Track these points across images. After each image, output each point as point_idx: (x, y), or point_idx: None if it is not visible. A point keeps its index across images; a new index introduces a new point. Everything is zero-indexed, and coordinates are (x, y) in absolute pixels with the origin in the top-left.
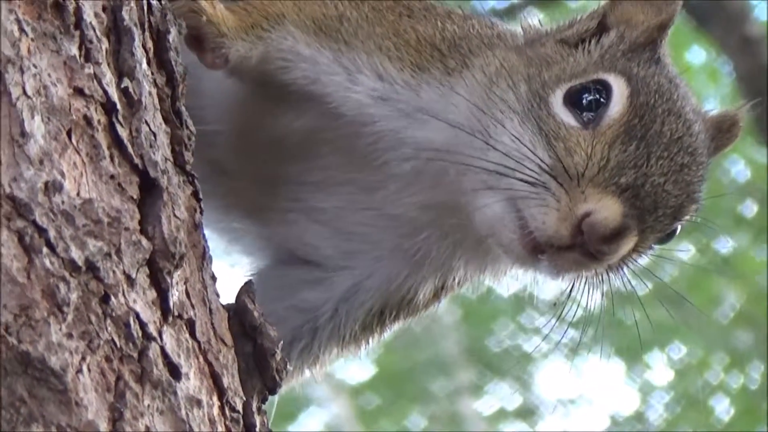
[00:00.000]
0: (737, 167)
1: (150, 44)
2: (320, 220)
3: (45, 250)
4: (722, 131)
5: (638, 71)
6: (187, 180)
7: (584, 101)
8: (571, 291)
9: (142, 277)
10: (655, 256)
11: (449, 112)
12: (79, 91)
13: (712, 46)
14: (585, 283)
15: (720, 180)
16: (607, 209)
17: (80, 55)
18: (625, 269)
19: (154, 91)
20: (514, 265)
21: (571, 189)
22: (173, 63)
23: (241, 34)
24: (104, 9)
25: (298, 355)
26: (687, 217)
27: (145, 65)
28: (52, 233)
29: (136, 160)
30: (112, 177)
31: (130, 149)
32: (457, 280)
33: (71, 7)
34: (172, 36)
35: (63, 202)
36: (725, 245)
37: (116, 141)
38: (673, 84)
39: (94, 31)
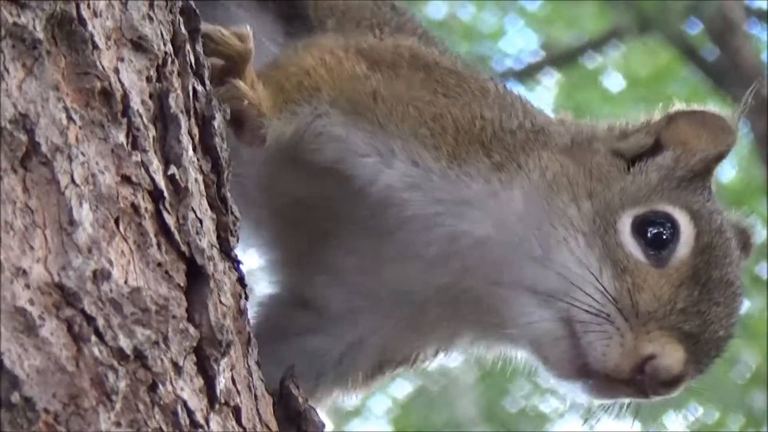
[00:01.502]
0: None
1: (195, 130)
2: (335, 275)
3: (93, 338)
4: (742, 249)
5: (699, 207)
6: (232, 265)
7: (649, 234)
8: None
9: (189, 365)
10: None
11: (500, 210)
12: (126, 179)
13: (729, 106)
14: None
15: None
16: (671, 356)
17: (127, 143)
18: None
19: (200, 177)
20: (552, 377)
21: (636, 327)
22: (218, 149)
23: (276, 114)
24: (151, 96)
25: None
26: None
27: (191, 152)
28: (100, 322)
29: (183, 248)
30: (159, 265)
31: (177, 237)
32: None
33: (118, 94)
34: (218, 122)
35: (111, 291)
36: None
37: (163, 228)
38: (723, 219)
39: (141, 118)
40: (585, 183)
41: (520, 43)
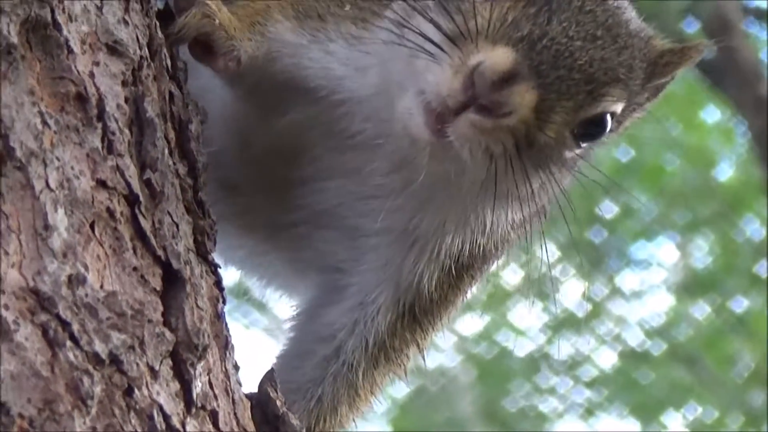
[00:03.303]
0: (753, 226)
1: (172, 134)
2: (325, 224)
3: (69, 343)
4: (675, 52)
5: None
6: (209, 269)
7: None
8: (495, 176)
9: (165, 369)
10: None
11: (377, 39)
12: (102, 184)
13: (727, 105)
14: (501, 167)
15: (735, 239)
16: (497, 56)
17: (103, 147)
18: (542, 149)
19: (176, 181)
20: (434, 162)
21: (465, 47)
22: (195, 153)
23: (246, 34)
24: (126, 100)
25: (331, 383)
26: (612, 101)
27: (167, 156)
28: (75, 327)
29: (159, 252)
30: (135, 269)
31: (152, 241)
32: (453, 248)
33: (94, 99)
34: (194, 126)
35: (86, 295)
36: (740, 305)
37: (139, 233)
38: None
39: (117, 122)
40: None
41: None
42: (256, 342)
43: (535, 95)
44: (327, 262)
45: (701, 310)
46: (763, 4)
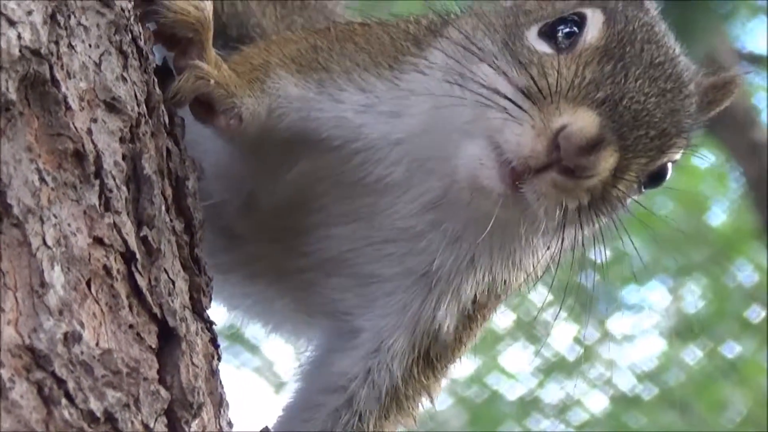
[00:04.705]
0: (744, 272)
1: (169, 191)
2: (333, 271)
3: (64, 401)
4: (717, 88)
5: (616, 6)
6: (204, 326)
7: (560, 32)
8: (562, 231)
9: (160, 427)
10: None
11: (427, 82)
12: (98, 241)
13: (720, 150)
14: (572, 219)
15: (727, 285)
16: (582, 120)
17: (100, 205)
18: (613, 203)
19: (173, 238)
20: (502, 212)
21: (545, 107)
22: (192, 209)
23: (247, 92)
24: (124, 157)
25: None
26: (675, 153)
27: (164, 212)
28: (71, 384)
29: (155, 309)
30: (131, 326)
31: (148, 298)
32: (476, 288)
33: (91, 156)
34: (191, 182)
35: (82, 353)
36: (732, 350)
37: (135, 290)
38: (654, 21)
39: (114, 180)
40: (501, 21)
41: None
42: (247, 383)
43: (618, 158)
44: (336, 308)
45: (693, 355)
46: (756, 49)
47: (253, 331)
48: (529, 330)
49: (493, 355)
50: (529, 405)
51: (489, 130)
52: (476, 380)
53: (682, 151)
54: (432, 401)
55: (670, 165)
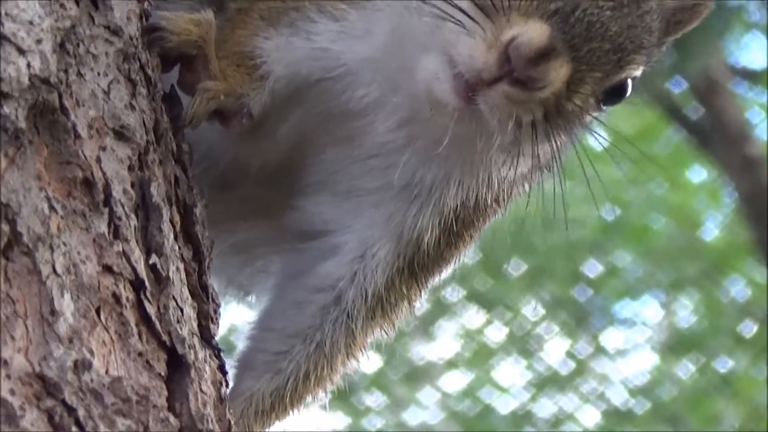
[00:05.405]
0: (737, 287)
1: (177, 218)
2: (318, 190)
3: (74, 429)
4: (686, 9)
5: None
6: (213, 353)
7: None
8: (519, 147)
9: None
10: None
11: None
12: (108, 269)
13: (713, 165)
14: (528, 134)
15: (720, 300)
16: (532, 31)
17: (109, 233)
18: (570, 118)
19: (181, 266)
20: (458, 125)
21: (497, 20)
22: (200, 236)
23: (250, 86)
24: (133, 185)
25: (331, 329)
26: (636, 67)
27: (172, 240)
28: (81, 412)
29: (164, 337)
30: (140, 354)
31: (158, 326)
32: (455, 200)
33: (100, 184)
34: (199, 209)
35: (92, 381)
36: (724, 365)
37: (144, 318)
38: None
39: (123, 207)
40: None
41: None
42: None
43: (569, 69)
44: (318, 227)
45: (685, 370)
46: (750, 64)
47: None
48: (522, 344)
49: (486, 369)
50: (521, 419)
51: (444, 44)
52: (469, 394)
53: (642, 67)
54: (412, 310)
55: (630, 81)
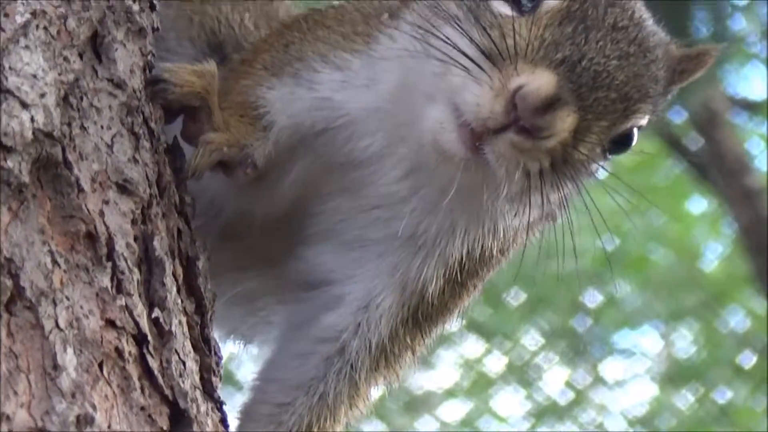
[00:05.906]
0: (736, 318)
1: (180, 271)
2: (322, 240)
3: None
4: (691, 58)
5: None
6: (215, 406)
7: None
8: (527, 196)
9: None
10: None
11: (395, 47)
12: (110, 323)
13: (713, 196)
14: (536, 183)
15: (719, 330)
16: (539, 79)
17: (112, 287)
18: (575, 166)
19: (183, 319)
20: (465, 175)
21: (504, 68)
22: (202, 289)
23: (254, 136)
24: (136, 239)
25: (334, 380)
26: (642, 116)
27: (174, 293)
28: None
29: (167, 391)
30: (142, 408)
31: (160, 380)
32: (460, 251)
33: (103, 238)
34: (201, 262)
35: None
36: (723, 395)
37: (147, 372)
38: None
39: (126, 261)
40: None
41: None
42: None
43: (576, 118)
44: (321, 278)
45: (684, 400)
46: (749, 95)
47: (245, 372)
48: (521, 374)
49: (485, 398)
50: None
51: (450, 92)
52: (468, 424)
53: (648, 116)
54: (415, 362)
55: (635, 131)
